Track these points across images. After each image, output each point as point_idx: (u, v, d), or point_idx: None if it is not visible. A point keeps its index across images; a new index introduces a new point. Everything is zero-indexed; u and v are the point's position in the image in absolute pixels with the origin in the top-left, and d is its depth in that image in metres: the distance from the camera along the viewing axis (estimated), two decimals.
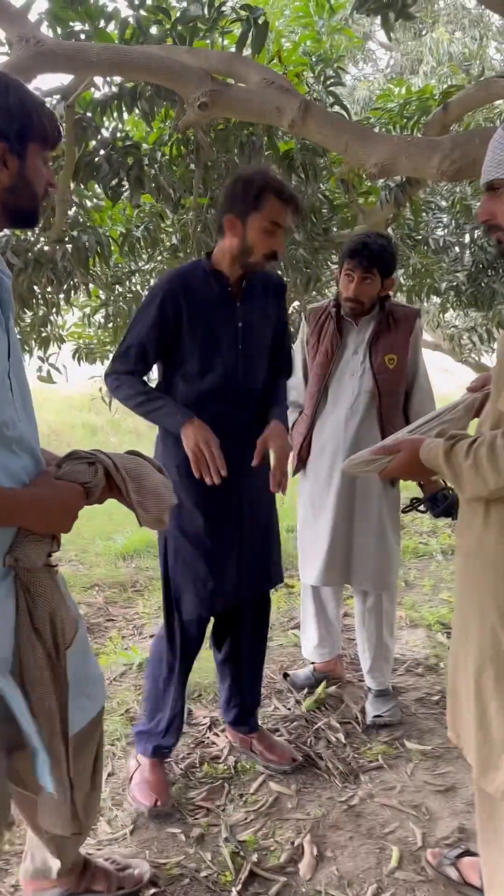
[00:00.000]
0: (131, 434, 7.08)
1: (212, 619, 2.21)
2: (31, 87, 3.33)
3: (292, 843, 1.92)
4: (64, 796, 1.30)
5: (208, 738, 2.40)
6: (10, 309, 1.32)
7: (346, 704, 2.60)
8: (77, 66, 2.61)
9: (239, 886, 1.76)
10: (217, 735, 2.40)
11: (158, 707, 2.14)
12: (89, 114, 3.46)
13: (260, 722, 2.38)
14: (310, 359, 2.53)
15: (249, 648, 2.29)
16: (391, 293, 2.54)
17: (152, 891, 1.73)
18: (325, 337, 2.47)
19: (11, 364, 1.27)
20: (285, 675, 2.76)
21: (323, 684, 2.66)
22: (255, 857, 1.86)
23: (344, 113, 3.84)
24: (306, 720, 2.49)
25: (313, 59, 4.13)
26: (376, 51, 9.19)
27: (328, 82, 3.96)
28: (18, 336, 4.69)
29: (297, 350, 2.58)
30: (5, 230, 1.44)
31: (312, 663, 2.76)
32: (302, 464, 2.56)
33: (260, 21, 3.01)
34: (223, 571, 2.05)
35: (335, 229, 4.52)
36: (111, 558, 4.19)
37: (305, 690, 2.67)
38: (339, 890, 1.76)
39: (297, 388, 2.58)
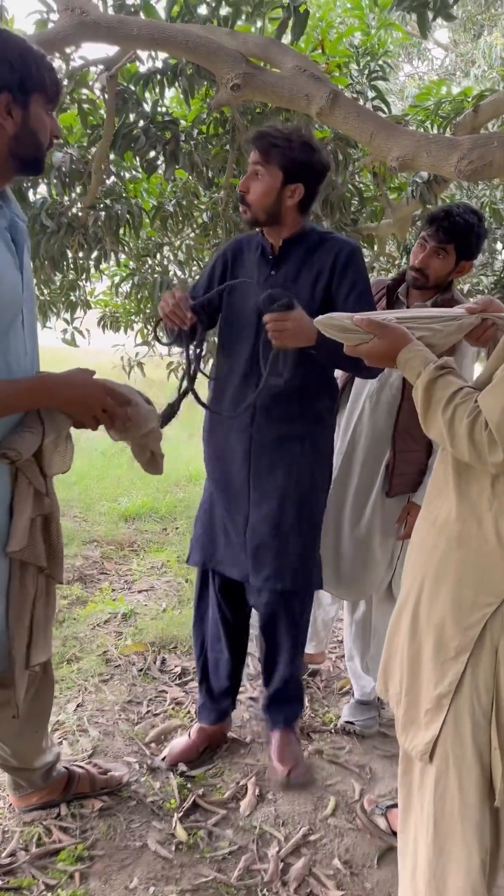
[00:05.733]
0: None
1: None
2: (76, 56, 3.47)
3: (237, 783, 2.05)
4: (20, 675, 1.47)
5: (176, 684, 2.53)
6: (25, 251, 1.47)
7: (319, 673, 2.71)
8: (118, 37, 2.73)
9: (181, 813, 1.90)
10: (184, 685, 2.54)
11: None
12: (132, 86, 3.58)
13: None
14: None
15: (268, 648, 2.15)
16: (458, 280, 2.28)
17: (99, 806, 1.87)
18: None
19: (24, 299, 1.41)
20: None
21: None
22: (200, 791, 1.99)
23: (384, 107, 3.92)
24: None
25: (359, 52, 4.21)
26: (432, 50, 9.19)
27: (372, 76, 4.04)
28: (48, 298, 4.87)
29: None
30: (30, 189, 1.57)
31: None
32: None
33: (300, 9, 3.11)
34: (225, 532, 2.07)
35: (363, 221, 4.60)
36: (113, 518, 4.34)
37: None
38: (273, 827, 1.89)
39: None
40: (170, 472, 5.27)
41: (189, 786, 2.01)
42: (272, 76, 2.91)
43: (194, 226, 4.69)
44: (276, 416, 1.96)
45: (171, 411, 1.89)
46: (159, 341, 2.05)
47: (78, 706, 2.33)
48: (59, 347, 5.67)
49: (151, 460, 1.61)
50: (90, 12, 2.67)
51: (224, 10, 3.27)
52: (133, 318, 5.23)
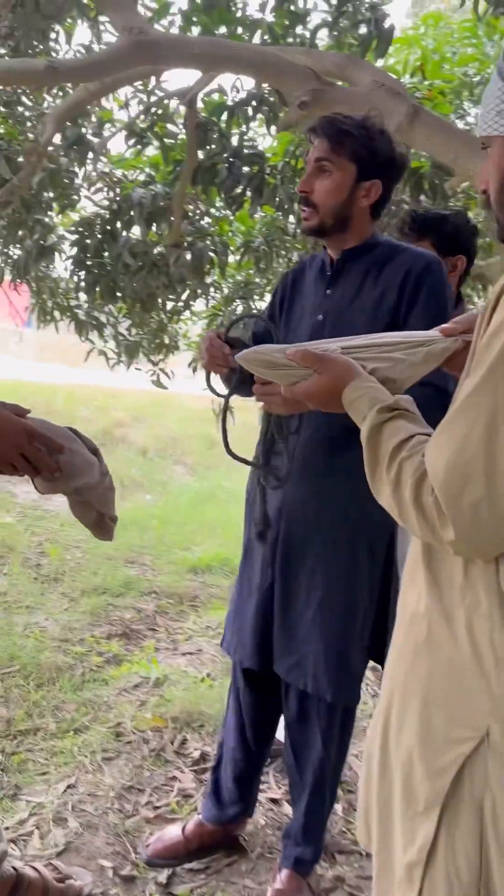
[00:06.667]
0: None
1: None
2: (157, 90, 3.37)
3: None
4: None
5: (192, 770, 2.19)
6: None
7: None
8: (178, 58, 2.57)
9: None
10: (200, 772, 2.19)
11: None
12: (215, 119, 3.44)
13: None
14: None
15: (296, 762, 1.74)
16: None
17: None
18: None
19: None
20: None
21: None
22: None
23: None
24: None
25: (474, 82, 3.92)
26: None
27: None
28: (136, 339, 4.79)
29: None
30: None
31: None
32: None
33: (385, 24, 2.84)
34: (245, 617, 1.71)
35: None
36: (181, 569, 4.08)
37: None
38: None
39: None
40: None
41: None
42: (345, 92, 2.65)
43: (287, 264, 4.46)
44: (314, 468, 1.58)
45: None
46: (216, 393, 1.62)
47: (69, 787, 2.03)
48: (151, 390, 5.60)
49: (99, 523, 1.33)
50: (148, 32, 2.53)
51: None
52: None
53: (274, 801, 2.08)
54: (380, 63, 3.58)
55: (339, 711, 1.64)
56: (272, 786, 2.14)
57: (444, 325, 1.05)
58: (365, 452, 0.93)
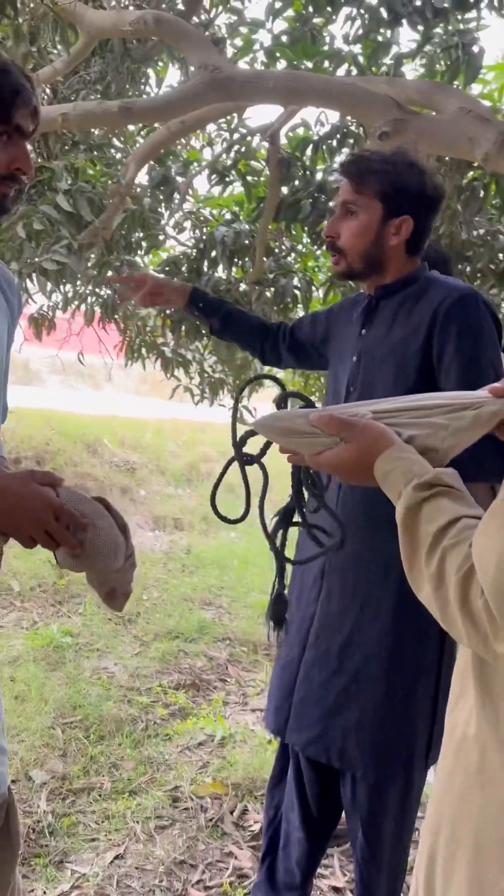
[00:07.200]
0: None
1: None
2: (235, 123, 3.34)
3: None
4: None
5: (249, 846, 2.03)
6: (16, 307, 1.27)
7: None
8: (252, 93, 2.50)
9: None
10: (259, 849, 2.02)
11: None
12: (298, 154, 3.38)
13: None
14: None
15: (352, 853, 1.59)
16: None
17: None
18: None
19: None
20: None
21: None
22: None
23: None
24: None
25: None
26: None
27: None
28: (221, 376, 4.76)
29: None
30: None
31: None
32: None
33: (474, 48, 2.69)
34: (282, 683, 1.58)
35: None
36: (258, 613, 3.93)
37: None
38: None
39: None
40: None
41: None
42: (429, 121, 2.50)
43: None
44: (361, 523, 1.42)
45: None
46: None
47: (117, 857, 1.91)
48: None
49: (111, 595, 1.22)
50: (223, 69, 2.48)
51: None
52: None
53: (337, 889, 1.89)
54: (476, 90, 3.43)
55: (392, 800, 1.46)
56: (336, 872, 1.95)
57: (494, 385, 0.88)
58: (401, 538, 0.78)
